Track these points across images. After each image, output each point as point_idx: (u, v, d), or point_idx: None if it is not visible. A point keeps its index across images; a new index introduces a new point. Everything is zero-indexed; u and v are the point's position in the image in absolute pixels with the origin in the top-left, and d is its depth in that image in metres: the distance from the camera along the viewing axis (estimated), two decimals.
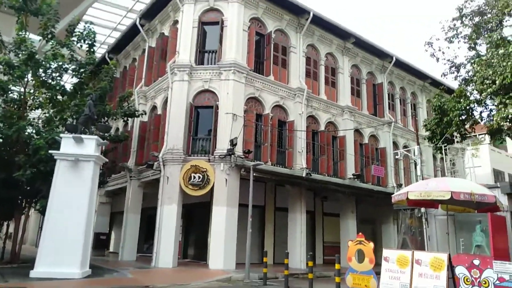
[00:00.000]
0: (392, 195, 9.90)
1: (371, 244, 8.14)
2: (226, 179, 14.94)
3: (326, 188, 17.79)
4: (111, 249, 24.49)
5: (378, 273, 7.87)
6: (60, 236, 11.73)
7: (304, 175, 16.95)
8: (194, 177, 14.96)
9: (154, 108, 18.45)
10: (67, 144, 12.59)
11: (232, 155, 14.85)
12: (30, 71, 13.74)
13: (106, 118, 15.90)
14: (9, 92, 14.15)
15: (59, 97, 15.13)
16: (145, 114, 17.95)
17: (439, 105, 16.37)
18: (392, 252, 7.78)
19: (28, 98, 15.23)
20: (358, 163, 20.06)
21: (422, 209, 14.12)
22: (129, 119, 17.88)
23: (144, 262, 16.83)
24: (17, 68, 13.17)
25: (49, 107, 15.28)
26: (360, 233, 8.65)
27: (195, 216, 17.83)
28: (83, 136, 12.64)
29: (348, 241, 8.82)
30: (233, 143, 14.63)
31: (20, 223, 15.27)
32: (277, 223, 18.88)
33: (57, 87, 14.68)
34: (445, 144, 17.02)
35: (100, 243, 20.58)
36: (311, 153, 18.26)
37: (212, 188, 15.08)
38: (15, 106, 14.85)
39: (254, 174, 13.90)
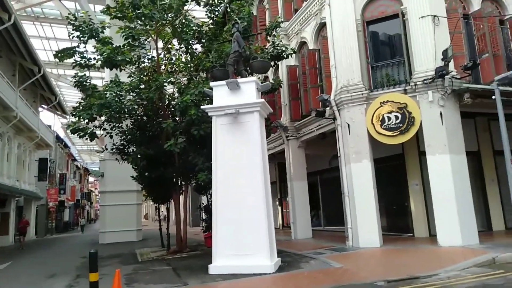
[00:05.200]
0: None
1: None
2: (441, 113, 9.94)
3: None
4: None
5: None
6: (236, 219, 8.62)
7: None
8: (389, 118, 10.36)
9: (302, 44, 14.26)
10: (220, 94, 9.27)
11: (446, 76, 9.72)
12: (157, 14, 10.74)
13: None
14: (142, 46, 11.57)
15: (196, 46, 12.08)
16: (294, 53, 13.84)
17: None
18: None
19: (162, 58, 12.58)
20: None
21: None
22: (276, 63, 14.02)
23: (326, 239, 13.19)
24: (143, 7, 10.27)
25: (186, 65, 12.38)
26: None
27: (384, 175, 13.21)
28: (239, 79, 9.13)
29: None
30: (447, 56, 9.46)
31: (180, 205, 12.97)
32: (501, 173, 13.12)
33: (190, 32, 11.54)
34: None
35: None
36: None
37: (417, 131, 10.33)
38: (151, 67, 12.34)
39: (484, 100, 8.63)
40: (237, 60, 9.56)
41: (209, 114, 9.25)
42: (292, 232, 14.36)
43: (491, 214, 12.64)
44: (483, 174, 12.91)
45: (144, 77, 11.93)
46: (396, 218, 12.87)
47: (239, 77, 9.52)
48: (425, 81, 9.99)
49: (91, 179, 71.73)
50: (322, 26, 12.79)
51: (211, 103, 9.53)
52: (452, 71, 9.91)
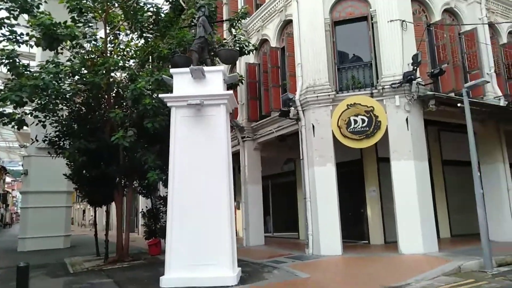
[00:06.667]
0: None
1: None
2: (407, 119, 9.84)
3: None
4: None
5: None
6: (194, 224, 7.60)
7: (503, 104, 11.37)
8: (356, 122, 10.04)
9: (264, 42, 13.63)
10: (181, 83, 8.23)
11: (413, 82, 9.65)
12: None
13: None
14: (88, 23, 10.04)
15: (149, 34, 10.84)
16: (256, 49, 13.16)
17: None
18: None
19: (110, 41, 11.10)
20: None
21: None
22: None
23: (280, 246, 12.55)
24: None
25: (140, 51, 11.01)
26: None
27: (342, 180, 12.84)
28: (204, 68, 8.14)
29: None
30: (417, 60, 9.39)
31: (123, 208, 11.46)
32: (448, 182, 13.59)
33: (143, 13, 10.31)
34: None
35: None
36: (502, 75, 12.48)
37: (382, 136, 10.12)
38: (98, 50, 10.81)
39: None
40: (202, 46, 8.57)
41: (168, 104, 8.13)
42: (244, 239, 13.50)
43: (439, 222, 12.93)
44: (433, 182, 13.20)
45: (87, 61, 10.36)
46: (353, 225, 12.61)
47: (204, 65, 8.55)
48: (393, 85, 9.85)
49: (8, 179, 64.37)
50: (286, 23, 12.28)
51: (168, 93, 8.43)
52: (418, 77, 9.89)
